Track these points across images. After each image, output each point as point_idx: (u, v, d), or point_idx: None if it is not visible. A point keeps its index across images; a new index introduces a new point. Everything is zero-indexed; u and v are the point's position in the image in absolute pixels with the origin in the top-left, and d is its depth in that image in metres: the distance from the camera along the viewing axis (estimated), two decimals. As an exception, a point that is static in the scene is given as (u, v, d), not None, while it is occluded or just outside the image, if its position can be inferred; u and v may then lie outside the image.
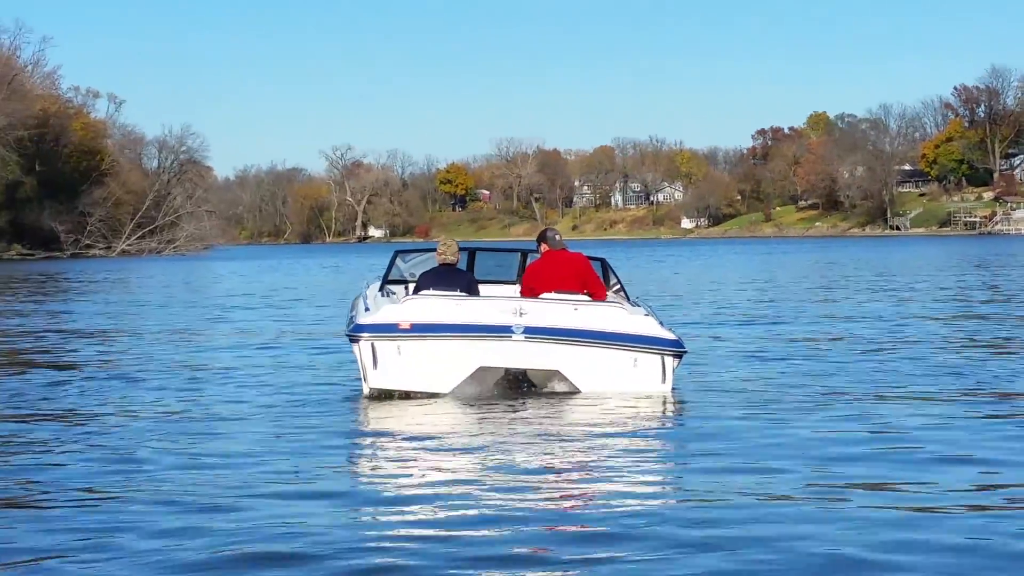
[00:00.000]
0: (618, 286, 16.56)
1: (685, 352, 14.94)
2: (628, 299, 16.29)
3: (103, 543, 8.07)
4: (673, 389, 14.58)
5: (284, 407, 14.19)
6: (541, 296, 15.10)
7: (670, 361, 14.58)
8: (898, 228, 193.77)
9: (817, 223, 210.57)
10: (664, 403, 14.13)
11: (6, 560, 7.72)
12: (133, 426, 12.93)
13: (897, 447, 11.19)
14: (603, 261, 16.51)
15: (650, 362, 14.54)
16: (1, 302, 40.28)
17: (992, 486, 9.60)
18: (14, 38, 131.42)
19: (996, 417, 12.91)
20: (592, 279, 15.52)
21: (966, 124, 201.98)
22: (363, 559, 7.60)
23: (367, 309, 15.32)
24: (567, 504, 9.09)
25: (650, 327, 14.69)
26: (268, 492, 9.52)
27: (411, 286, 16.29)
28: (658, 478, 10.15)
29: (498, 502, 9.01)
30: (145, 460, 10.93)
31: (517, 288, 16.63)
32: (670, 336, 14.70)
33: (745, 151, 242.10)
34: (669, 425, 13.04)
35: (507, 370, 14.68)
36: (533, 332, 14.47)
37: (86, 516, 8.85)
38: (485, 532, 8.16)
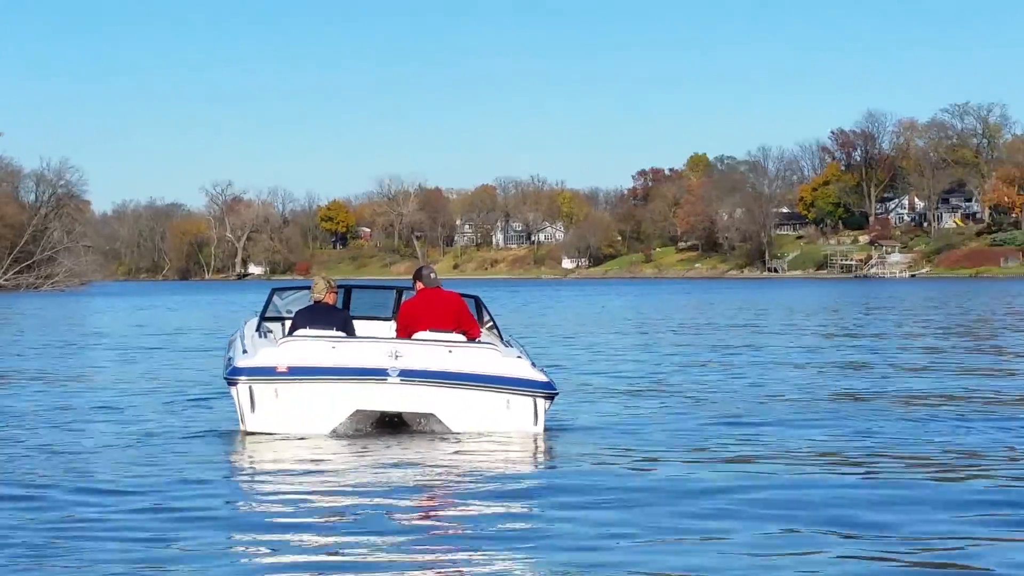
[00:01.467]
0: (491, 323, 16.85)
1: (556, 394, 15.19)
2: (501, 337, 16.61)
3: None
4: (545, 430, 14.83)
5: (160, 444, 14.25)
6: (416, 335, 15.31)
7: (542, 403, 14.83)
8: (775, 270, 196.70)
9: (697, 264, 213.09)
10: (536, 443, 14.38)
11: None
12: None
13: (759, 481, 11.54)
14: (476, 299, 16.77)
15: (522, 404, 14.77)
16: None
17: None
18: None
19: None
20: (466, 318, 15.77)
21: (843, 168, 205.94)
22: None
23: (244, 351, 15.39)
24: (434, 549, 9.26)
25: (522, 369, 14.93)
26: (136, 528, 9.63)
27: (288, 324, 16.44)
28: (527, 524, 10.36)
29: (365, 549, 9.08)
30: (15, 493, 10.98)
31: (392, 325, 16.87)
32: (542, 378, 14.95)
33: (626, 192, 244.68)
34: (540, 467, 13.28)
35: (383, 412, 14.86)
36: (408, 375, 14.65)
37: None
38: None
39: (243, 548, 9.07)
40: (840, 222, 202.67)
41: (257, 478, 12.36)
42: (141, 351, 32.56)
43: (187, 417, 17.16)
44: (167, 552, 8.93)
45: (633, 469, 12.56)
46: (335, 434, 14.61)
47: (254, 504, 10.88)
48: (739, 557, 8.74)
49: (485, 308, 16.90)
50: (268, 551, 8.95)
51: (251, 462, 13.42)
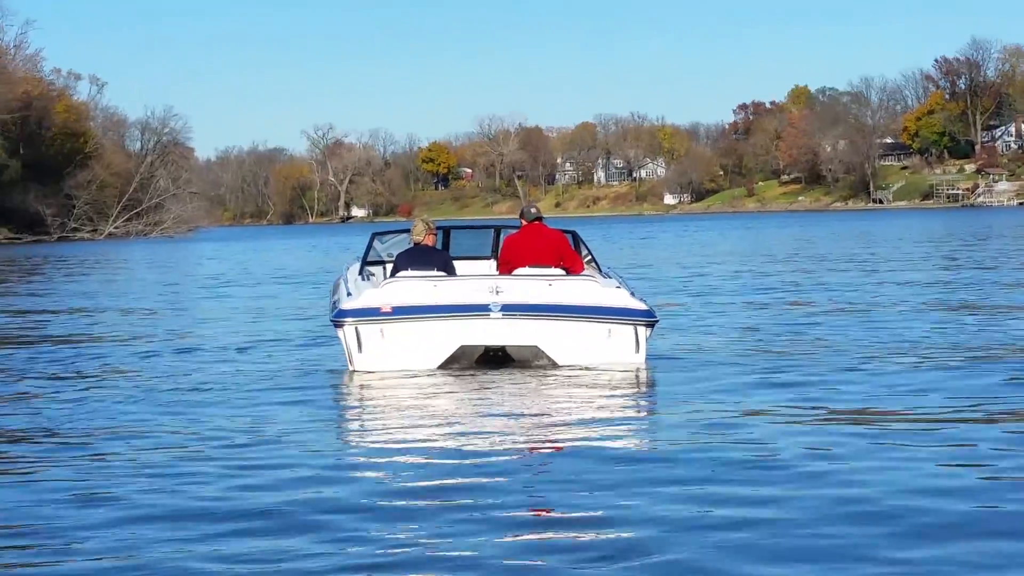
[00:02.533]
0: (589, 257, 17.07)
1: (656, 321, 15.41)
2: (600, 269, 16.88)
3: (76, 513, 8.48)
4: (647, 358, 15.08)
5: (274, 384, 14.65)
6: (516, 271, 15.59)
7: (643, 331, 15.06)
8: (880, 201, 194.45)
9: (800, 197, 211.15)
10: (638, 372, 14.65)
11: None
12: (115, 396, 13.39)
13: (855, 418, 11.64)
14: (574, 233, 16.99)
15: (623, 333, 15.01)
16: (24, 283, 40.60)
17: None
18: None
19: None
20: (568, 253, 16.04)
21: (947, 96, 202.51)
22: (344, 530, 7.93)
23: (349, 294, 15.76)
24: (547, 476, 9.48)
25: (622, 299, 15.17)
26: (256, 462, 9.97)
27: (389, 267, 16.76)
28: (634, 447, 10.57)
29: (483, 479, 9.28)
30: (131, 430, 11.41)
31: (492, 264, 17.31)
32: (641, 306, 15.16)
33: (727, 126, 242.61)
34: (644, 393, 13.54)
35: (487, 347, 15.15)
36: (510, 309, 14.93)
37: (61, 482, 9.42)
38: (467, 511, 8.35)
39: (354, 487, 9.28)
40: (945, 151, 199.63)
41: (366, 417, 12.67)
42: (251, 294, 33.15)
43: (297, 358, 17.56)
44: (276, 492, 9.17)
45: (731, 394, 12.73)
46: (441, 370, 14.93)
47: (363, 444, 11.15)
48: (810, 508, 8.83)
49: (583, 242, 17.12)
50: (379, 491, 9.16)
51: (360, 401, 13.75)
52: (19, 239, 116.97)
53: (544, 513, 8.34)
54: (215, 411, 12.87)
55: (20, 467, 10.27)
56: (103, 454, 10.63)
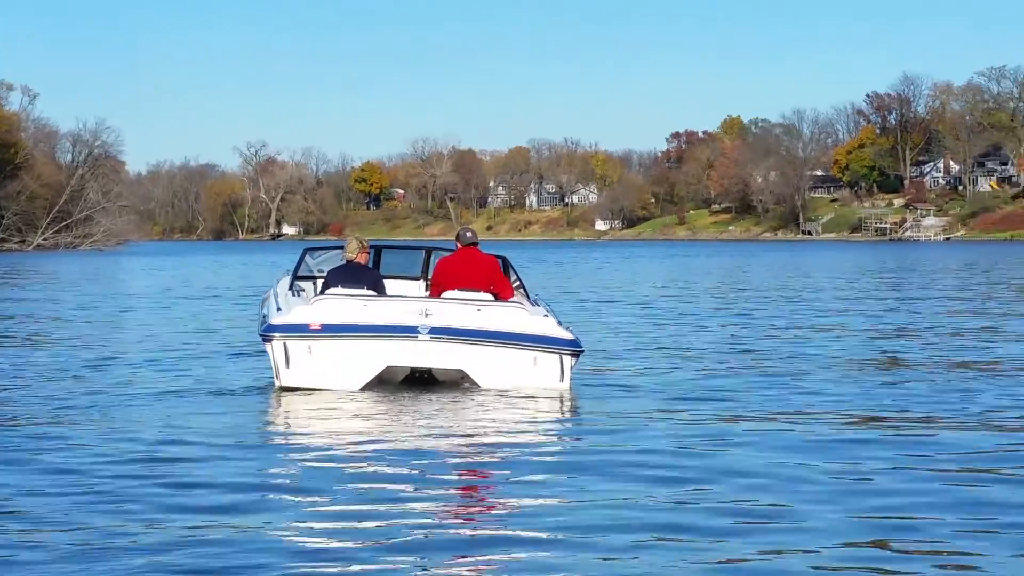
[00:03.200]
0: (518, 283, 17.22)
1: (582, 351, 15.60)
2: (528, 296, 17.06)
3: None
4: (571, 386, 15.24)
5: (197, 398, 14.69)
6: (445, 295, 15.73)
7: (568, 360, 15.22)
8: (810, 233, 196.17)
9: (730, 227, 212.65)
10: (562, 400, 14.79)
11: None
12: (36, 400, 13.39)
13: (777, 434, 11.88)
14: (504, 259, 17.11)
15: (549, 361, 15.17)
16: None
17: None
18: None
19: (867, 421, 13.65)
20: (500, 280, 16.16)
21: (878, 131, 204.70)
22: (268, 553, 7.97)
23: (279, 309, 15.83)
24: (469, 499, 9.65)
25: (549, 327, 15.33)
26: (173, 480, 10.03)
27: (319, 283, 16.86)
28: (555, 475, 10.70)
29: (405, 502, 9.34)
30: (48, 448, 11.38)
31: (421, 284, 17.48)
32: (568, 336, 15.34)
33: (659, 154, 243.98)
34: (567, 423, 13.67)
35: (413, 368, 15.26)
36: (438, 332, 15.06)
37: None
38: (384, 535, 8.38)
39: (277, 499, 9.40)
40: (875, 185, 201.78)
41: (291, 433, 12.76)
42: (178, 308, 33.08)
43: (224, 372, 17.63)
44: (203, 500, 9.28)
45: (653, 423, 12.93)
46: (366, 390, 15.02)
47: (287, 458, 11.21)
48: (755, 520, 9.06)
49: (512, 268, 17.27)
50: (300, 505, 9.26)
51: (285, 417, 13.82)
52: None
53: (464, 532, 8.46)
54: (138, 419, 12.93)
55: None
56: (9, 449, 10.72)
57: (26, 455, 11.08)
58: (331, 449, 11.53)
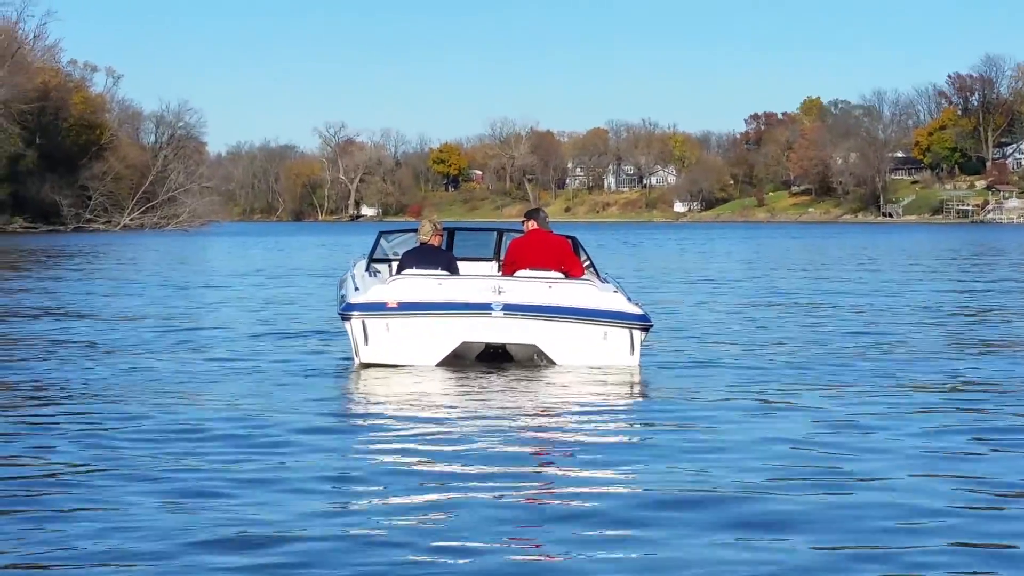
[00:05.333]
0: (588, 262, 17.64)
1: (651, 326, 16.04)
2: (598, 274, 17.48)
3: (76, 517, 8.28)
4: (640, 360, 15.64)
5: (281, 376, 15.20)
6: (517, 274, 16.18)
7: (638, 334, 15.63)
8: (890, 215, 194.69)
9: (810, 209, 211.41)
10: (632, 374, 15.20)
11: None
12: (122, 389, 13.93)
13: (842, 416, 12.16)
14: (574, 239, 17.53)
15: (619, 336, 15.59)
16: (55, 272, 41.15)
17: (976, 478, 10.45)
18: (20, 11, 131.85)
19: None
20: (571, 260, 16.59)
21: (959, 112, 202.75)
22: (342, 531, 8.12)
23: (356, 289, 16.37)
24: (542, 471, 9.95)
25: (618, 303, 15.77)
26: (260, 453, 10.51)
27: (394, 265, 17.38)
28: (628, 447, 11.01)
29: (480, 475, 9.60)
30: (132, 426, 11.76)
31: (494, 265, 18.03)
32: (637, 311, 15.75)
33: (738, 136, 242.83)
34: (637, 395, 14.07)
35: (487, 344, 15.72)
36: (511, 309, 15.51)
37: (59, 490, 9.07)
38: (466, 508, 8.57)
39: (356, 474, 9.72)
40: (956, 167, 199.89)
41: (370, 407, 13.18)
42: (264, 288, 33.74)
43: (306, 349, 18.21)
44: (284, 475, 9.63)
45: (722, 399, 13.26)
46: (442, 365, 15.51)
47: (366, 433, 11.58)
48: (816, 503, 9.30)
49: (582, 247, 17.69)
50: (378, 477, 9.60)
51: (364, 392, 14.28)
52: (35, 228, 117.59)
53: (537, 502, 8.78)
54: (224, 395, 13.45)
55: (33, 435, 10.84)
56: (104, 428, 11.21)
57: (115, 426, 11.57)
58: (408, 422, 11.92)
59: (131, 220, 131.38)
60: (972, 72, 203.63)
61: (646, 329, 15.82)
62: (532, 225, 16.92)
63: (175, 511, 8.41)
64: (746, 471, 9.70)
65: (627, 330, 15.59)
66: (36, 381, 14.60)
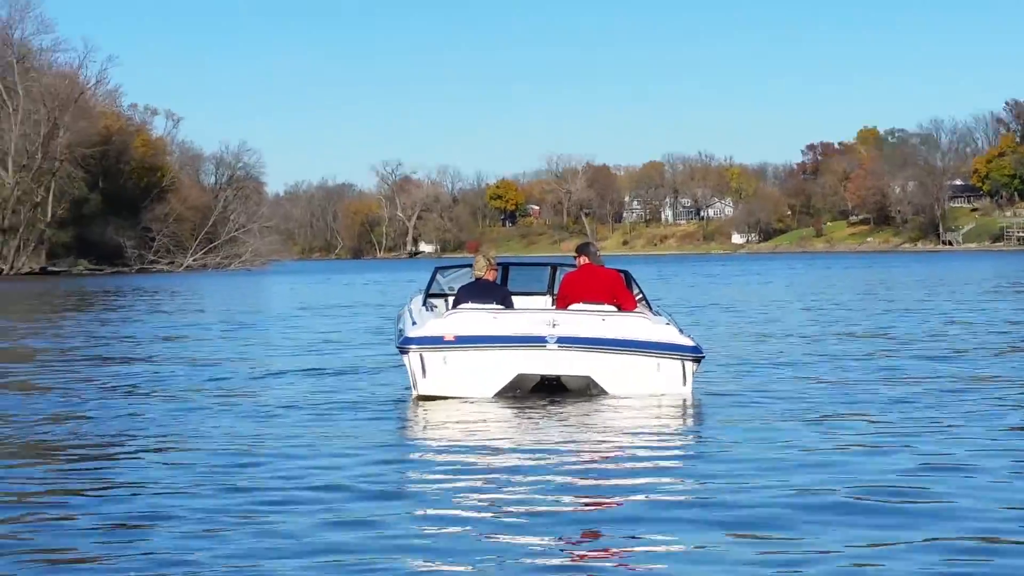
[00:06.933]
0: (640, 295, 17.97)
1: (703, 357, 16.29)
2: (650, 307, 17.82)
3: (136, 536, 8.81)
4: (693, 391, 15.92)
5: (343, 409, 15.60)
6: (571, 307, 16.52)
7: (690, 365, 15.93)
8: (950, 243, 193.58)
9: (868, 238, 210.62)
10: (684, 404, 15.47)
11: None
12: (185, 415, 14.39)
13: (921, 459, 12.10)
14: (626, 273, 17.87)
15: (671, 367, 15.89)
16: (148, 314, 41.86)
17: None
18: (83, 57, 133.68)
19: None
20: (621, 292, 16.96)
21: (1018, 139, 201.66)
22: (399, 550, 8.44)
23: (414, 323, 16.75)
24: (600, 500, 10.11)
25: (670, 335, 16.07)
26: (322, 485, 10.85)
27: (451, 299, 17.78)
28: (679, 474, 11.21)
29: (536, 500, 9.86)
30: (194, 449, 12.29)
31: (547, 299, 18.37)
32: (689, 343, 16.06)
33: (795, 166, 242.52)
34: (690, 424, 14.34)
35: (542, 376, 16.06)
36: (565, 341, 15.85)
37: (117, 505, 9.81)
38: (523, 533, 8.82)
39: (414, 503, 9.98)
40: (1016, 194, 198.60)
41: (429, 438, 13.50)
42: (326, 322, 34.27)
43: (367, 382, 18.66)
44: (351, 506, 9.88)
45: (773, 432, 13.49)
46: (499, 396, 15.87)
47: (423, 465, 11.82)
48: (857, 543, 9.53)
49: (634, 281, 18.02)
50: (438, 504, 9.88)
51: (424, 423, 14.61)
52: (100, 270, 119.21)
53: (593, 536, 8.92)
54: (289, 425, 13.88)
55: (110, 470, 11.26)
56: (174, 463, 11.57)
57: (190, 458, 12.01)
58: (465, 453, 12.21)
59: (194, 260, 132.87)
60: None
61: (698, 360, 16.09)
62: (584, 260, 17.29)
63: (225, 533, 8.75)
64: (798, 491, 9.95)
65: (679, 361, 15.88)
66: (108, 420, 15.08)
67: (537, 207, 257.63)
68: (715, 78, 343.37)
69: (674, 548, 8.33)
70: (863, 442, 12.45)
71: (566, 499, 9.98)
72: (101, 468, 11.64)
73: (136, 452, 12.45)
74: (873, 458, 11.62)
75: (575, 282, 17.05)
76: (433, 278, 19.06)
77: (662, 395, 15.74)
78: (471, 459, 11.87)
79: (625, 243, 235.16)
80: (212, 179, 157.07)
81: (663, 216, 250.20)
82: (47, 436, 13.63)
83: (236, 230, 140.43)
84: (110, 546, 8.58)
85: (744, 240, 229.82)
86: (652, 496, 10.02)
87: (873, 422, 13.96)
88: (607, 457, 12.05)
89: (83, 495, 10.29)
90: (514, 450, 12.28)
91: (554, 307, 17.31)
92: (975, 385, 17.20)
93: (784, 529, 8.83)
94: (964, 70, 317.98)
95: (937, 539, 8.44)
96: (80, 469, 11.59)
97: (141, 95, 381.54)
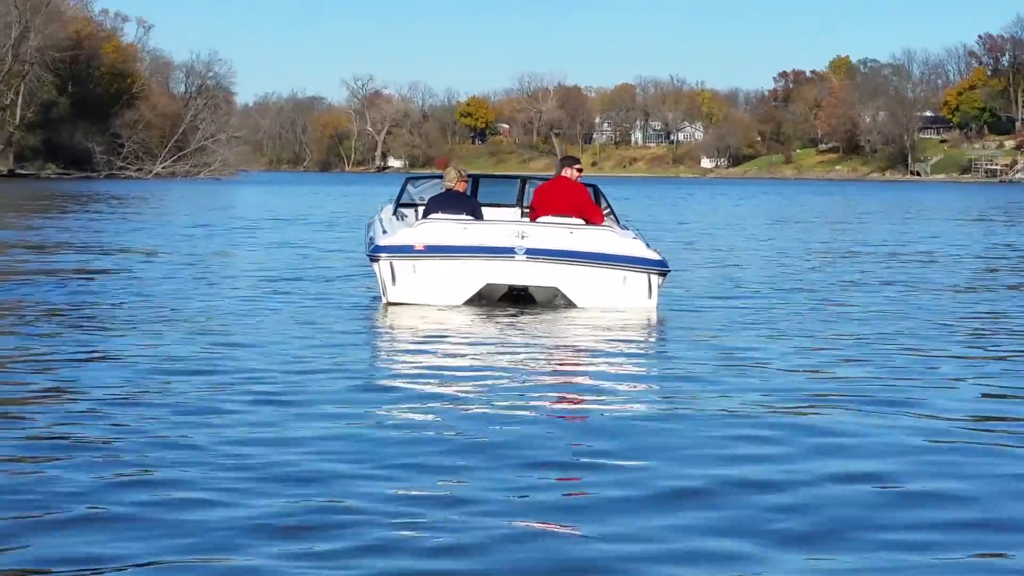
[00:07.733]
0: (608, 210, 18.25)
1: (668, 271, 16.63)
2: (618, 221, 18.15)
3: (109, 452, 8.14)
4: (658, 305, 16.26)
5: (313, 313, 15.80)
6: (538, 220, 16.82)
7: (655, 279, 16.27)
8: (918, 174, 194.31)
9: (837, 167, 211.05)
10: (649, 317, 15.79)
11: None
12: (152, 320, 14.60)
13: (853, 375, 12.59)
14: (595, 187, 18.19)
15: (638, 280, 16.22)
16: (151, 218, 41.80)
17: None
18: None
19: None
20: (590, 207, 17.24)
21: (989, 73, 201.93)
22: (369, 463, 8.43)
23: (384, 231, 17.03)
24: (562, 405, 10.31)
25: (637, 249, 16.41)
26: (286, 384, 11.11)
27: (420, 210, 18.03)
28: (642, 385, 11.42)
29: (504, 407, 9.89)
30: (163, 367, 11.91)
31: (516, 212, 18.72)
32: (655, 256, 16.40)
33: (766, 93, 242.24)
34: (653, 337, 14.61)
35: (510, 286, 16.38)
36: (533, 253, 16.16)
37: (94, 432, 8.95)
38: (488, 439, 8.73)
39: (376, 407, 9.92)
40: (985, 127, 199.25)
41: (396, 343, 13.75)
42: (297, 232, 34.41)
43: (335, 289, 18.93)
44: (305, 409, 9.80)
45: (735, 340, 13.76)
46: (467, 305, 16.18)
47: (390, 366, 12.10)
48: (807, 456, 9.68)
49: (603, 196, 18.34)
50: (401, 407, 9.93)
51: (391, 329, 14.87)
52: (68, 175, 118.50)
53: (556, 447, 9.24)
54: (257, 334, 14.04)
55: (61, 395, 11.34)
56: (131, 381, 10.72)
57: (158, 370, 12.02)
58: (431, 356, 12.48)
59: (163, 168, 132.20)
60: (1003, 33, 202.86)
61: (664, 274, 16.41)
62: (566, 173, 17.50)
63: (189, 430, 8.77)
64: (754, 391, 10.26)
65: (645, 275, 16.21)
66: (78, 305, 15.26)
67: (507, 126, 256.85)
68: (689, 1, 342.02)
69: (634, 462, 8.16)
70: (831, 353, 12.76)
71: (522, 404, 10.09)
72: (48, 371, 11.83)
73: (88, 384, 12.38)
74: (843, 368, 11.93)
75: (545, 194, 17.34)
76: (404, 188, 19.33)
77: (628, 307, 16.07)
78: (433, 364, 11.96)
79: (594, 164, 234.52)
80: (182, 88, 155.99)
81: (633, 138, 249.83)
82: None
83: (205, 139, 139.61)
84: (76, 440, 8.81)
85: (713, 165, 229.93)
86: (613, 408, 10.05)
87: (837, 335, 14.26)
88: (570, 369, 12.23)
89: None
90: (478, 359, 12.41)
91: (524, 219, 17.57)
92: (940, 295, 17.67)
93: (739, 440, 8.90)
94: (938, 2, 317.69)
95: (914, 428, 8.75)
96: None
97: (112, 1, 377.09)
